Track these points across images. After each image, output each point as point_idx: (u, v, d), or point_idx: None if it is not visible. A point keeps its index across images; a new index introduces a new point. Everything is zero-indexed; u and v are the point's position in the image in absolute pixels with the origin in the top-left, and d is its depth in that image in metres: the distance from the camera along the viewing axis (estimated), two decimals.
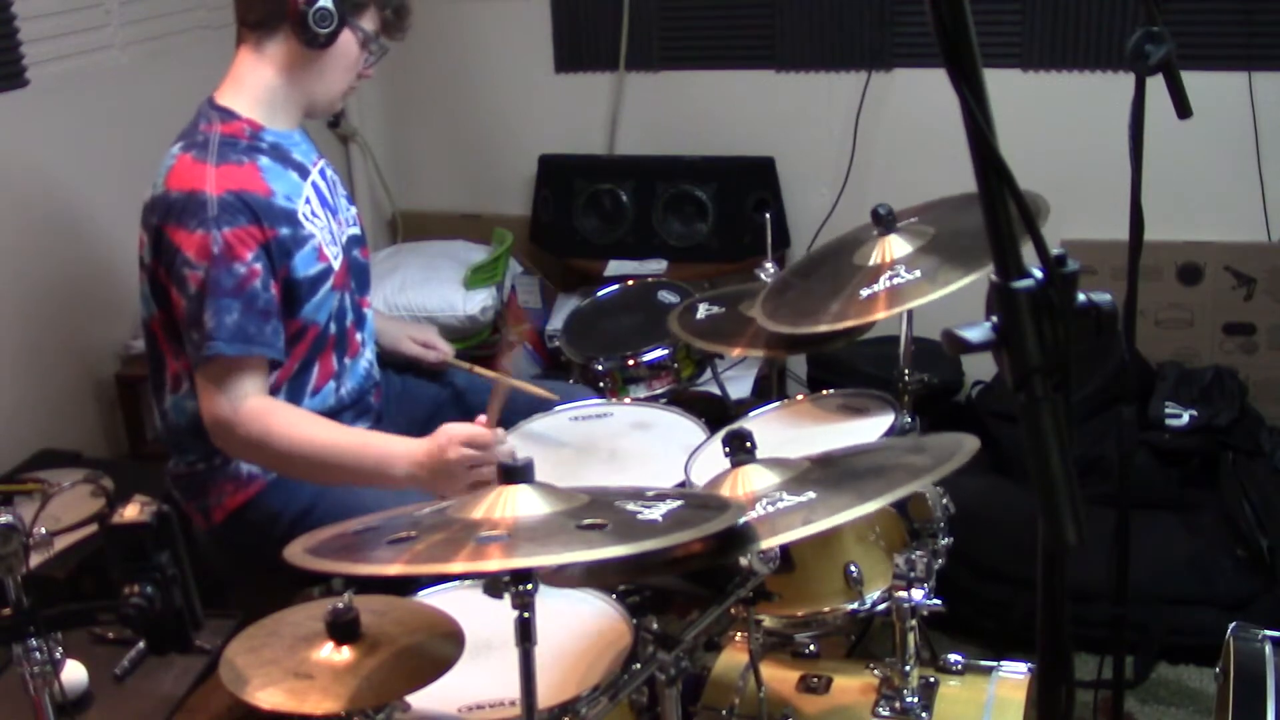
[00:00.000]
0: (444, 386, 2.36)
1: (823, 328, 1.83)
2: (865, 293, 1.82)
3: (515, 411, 2.20)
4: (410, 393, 2.32)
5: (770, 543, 1.37)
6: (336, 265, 2.00)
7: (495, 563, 1.16)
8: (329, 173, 2.10)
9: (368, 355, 2.17)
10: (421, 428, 1.94)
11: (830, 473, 1.53)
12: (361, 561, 1.20)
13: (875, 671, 1.72)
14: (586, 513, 1.28)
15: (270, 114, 1.96)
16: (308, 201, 1.96)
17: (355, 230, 2.14)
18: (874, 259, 1.91)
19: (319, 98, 1.99)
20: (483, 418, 1.83)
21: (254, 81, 1.94)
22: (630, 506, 1.30)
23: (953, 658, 1.78)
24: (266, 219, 1.85)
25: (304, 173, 1.99)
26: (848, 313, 1.81)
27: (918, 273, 1.82)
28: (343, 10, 1.89)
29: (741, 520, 1.36)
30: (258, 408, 1.86)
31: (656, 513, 1.28)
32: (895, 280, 1.82)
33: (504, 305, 3.48)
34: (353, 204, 2.18)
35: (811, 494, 1.43)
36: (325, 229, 1.99)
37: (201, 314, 1.82)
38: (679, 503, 1.33)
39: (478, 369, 2.36)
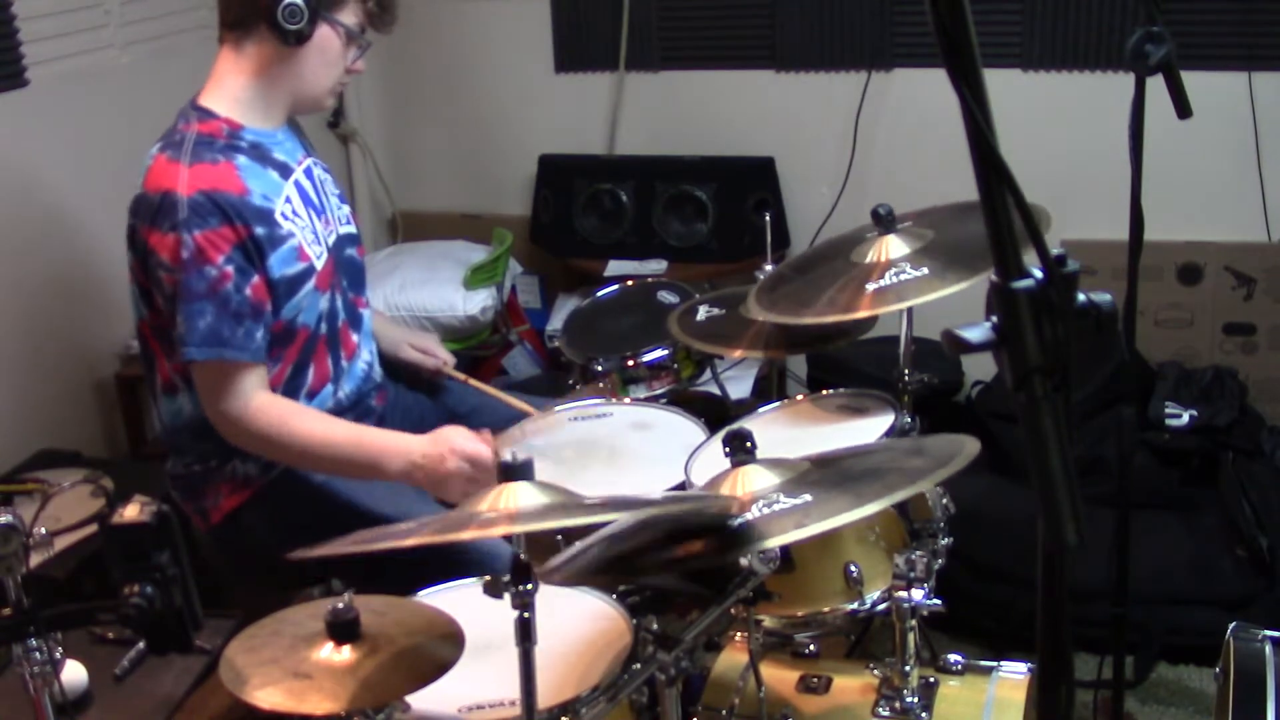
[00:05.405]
0: (436, 401, 2.32)
1: (828, 318, 1.82)
2: (872, 287, 1.82)
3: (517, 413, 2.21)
4: (401, 403, 2.28)
5: (765, 545, 1.37)
6: (320, 265, 1.97)
7: (503, 529, 1.23)
8: (317, 172, 2.07)
9: (365, 356, 2.15)
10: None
11: (829, 474, 1.53)
12: (375, 541, 1.23)
13: (875, 671, 1.72)
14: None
15: (251, 113, 1.94)
16: (288, 200, 1.94)
17: (349, 229, 2.12)
18: (871, 258, 1.90)
19: (303, 95, 1.97)
20: (487, 433, 1.82)
21: (234, 81, 1.92)
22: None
23: (953, 658, 1.78)
24: (240, 218, 1.83)
25: (285, 172, 1.97)
26: (855, 304, 1.80)
27: (925, 269, 1.81)
28: (316, 6, 1.87)
29: (738, 521, 1.36)
30: (259, 407, 1.86)
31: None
32: (901, 276, 1.81)
33: (504, 305, 3.48)
34: (345, 203, 2.16)
35: (808, 496, 1.43)
36: (307, 228, 1.96)
37: (175, 317, 1.82)
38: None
39: (472, 381, 2.33)
